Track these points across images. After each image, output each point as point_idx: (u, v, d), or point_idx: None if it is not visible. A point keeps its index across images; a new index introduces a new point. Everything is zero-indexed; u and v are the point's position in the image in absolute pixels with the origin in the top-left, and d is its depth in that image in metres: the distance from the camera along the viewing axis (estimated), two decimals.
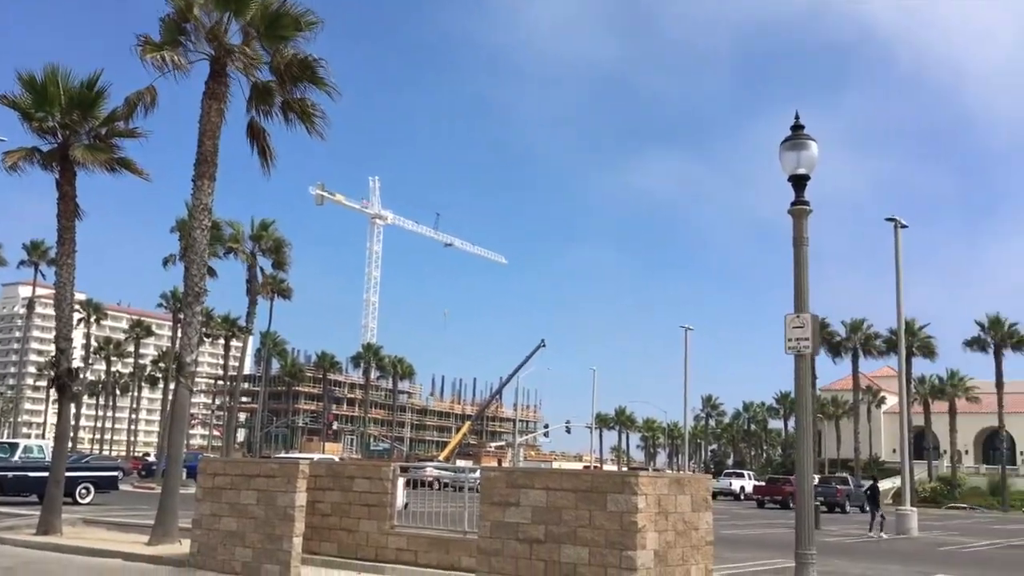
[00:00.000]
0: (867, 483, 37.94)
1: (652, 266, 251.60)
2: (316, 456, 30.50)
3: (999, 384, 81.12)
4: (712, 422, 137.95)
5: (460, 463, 59.12)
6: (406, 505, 14.89)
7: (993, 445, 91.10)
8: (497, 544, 10.54)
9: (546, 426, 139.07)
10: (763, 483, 55.99)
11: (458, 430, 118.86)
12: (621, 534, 9.76)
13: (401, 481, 14.65)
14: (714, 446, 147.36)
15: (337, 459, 39.17)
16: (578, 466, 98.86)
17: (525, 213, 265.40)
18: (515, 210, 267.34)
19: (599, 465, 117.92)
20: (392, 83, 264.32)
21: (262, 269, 53.32)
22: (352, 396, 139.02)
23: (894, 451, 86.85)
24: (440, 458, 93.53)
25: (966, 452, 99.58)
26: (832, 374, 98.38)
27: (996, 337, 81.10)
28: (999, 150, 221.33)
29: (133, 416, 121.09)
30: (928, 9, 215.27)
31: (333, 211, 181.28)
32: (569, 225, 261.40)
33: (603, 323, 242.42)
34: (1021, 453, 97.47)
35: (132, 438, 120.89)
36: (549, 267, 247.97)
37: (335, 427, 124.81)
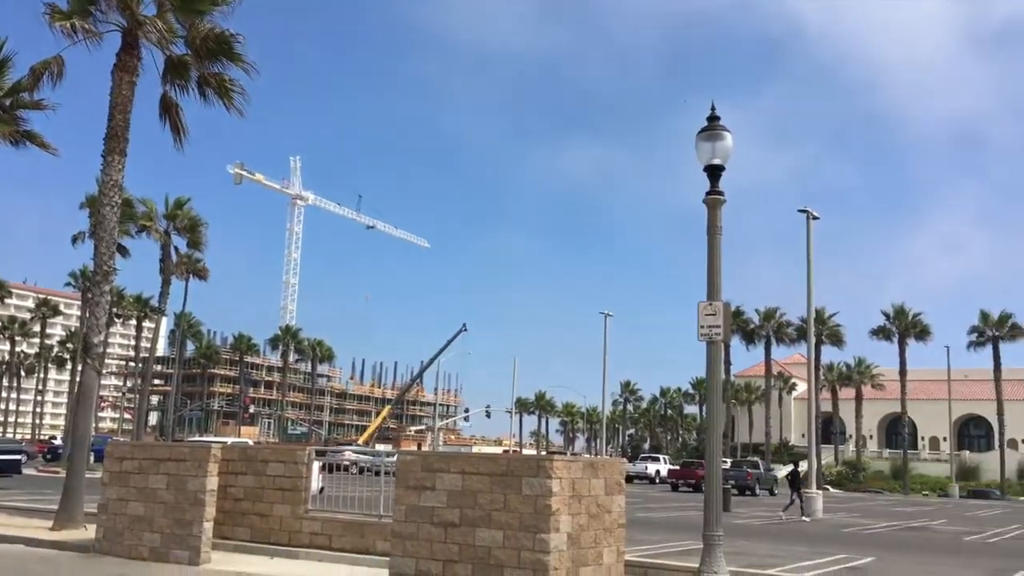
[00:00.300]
0: (788, 468, 39.01)
1: (576, 252, 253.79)
2: (230, 440, 29.94)
3: (902, 371, 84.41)
4: (630, 407, 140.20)
5: (379, 447, 58.86)
6: (322, 489, 14.77)
7: (896, 430, 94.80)
8: (412, 528, 10.55)
9: (466, 410, 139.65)
10: (677, 467, 57.12)
11: (378, 414, 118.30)
12: (535, 517, 9.86)
13: (317, 465, 14.52)
14: (631, 431, 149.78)
15: (252, 443, 38.58)
16: (498, 450, 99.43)
17: (451, 197, 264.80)
18: (441, 194, 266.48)
19: (518, 449, 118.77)
20: (316, 62, 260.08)
21: (176, 249, 52.12)
22: (270, 379, 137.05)
23: (803, 436, 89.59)
24: (359, 442, 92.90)
25: (871, 437, 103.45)
26: (746, 361, 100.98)
27: (900, 326, 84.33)
28: (910, 146, 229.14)
29: (39, 398, 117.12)
30: (852, 6, 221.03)
31: (253, 191, 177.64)
32: (495, 210, 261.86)
33: (526, 308, 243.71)
34: (922, 438, 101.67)
35: (38, 421, 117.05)
36: (473, 251, 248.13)
37: (252, 410, 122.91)
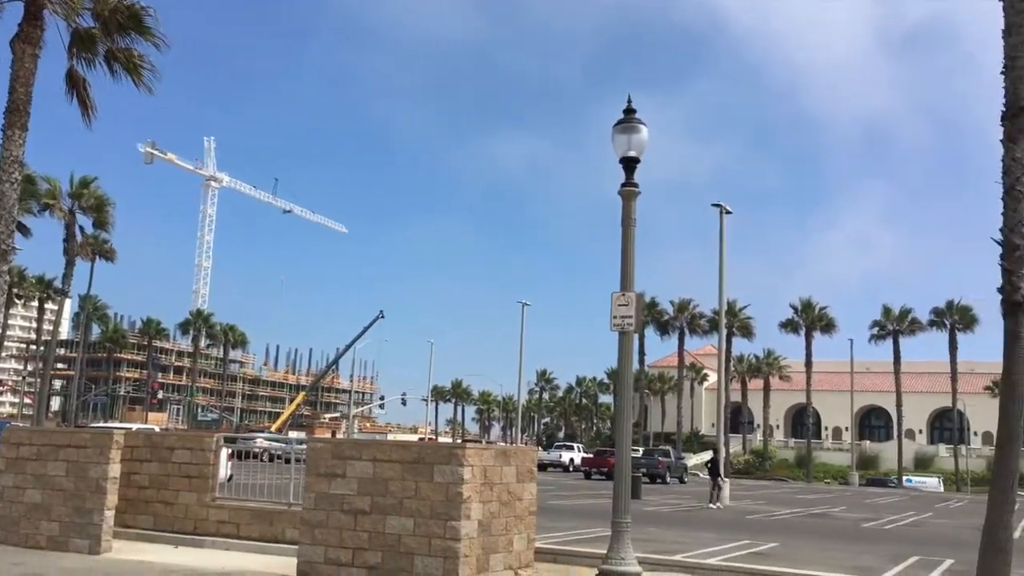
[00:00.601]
0: (703, 456, 39.87)
1: (498, 241, 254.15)
2: (135, 426, 29.17)
3: (808, 363, 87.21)
4: (546, 396, 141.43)
5: (293, 435, 58.04)
6: (230, 477, 14.51)
7: (801, 420, 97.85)
8: (321, 516, 10.45)
9: (382, 398, 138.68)
10: (591, 455, 57.85)
11: (292, 401, 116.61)
12: (447, 505, 9.88)
13: (225, 452, 14.26)
14: (547, 419, 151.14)
15: (158, 429, 37.63)
16: (413, 438, 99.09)
17: (373, 184, 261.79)
18: (364, 181, 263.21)
19: (434, 437, 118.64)
20: (237, 43, 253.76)
21: (82, 228, 50.42)
22: (180, 364, 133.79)
23: (712, 425, 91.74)
24: (272, 429, 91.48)
25: (777, 427, 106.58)
26: (660, 351, 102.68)
27: (807, 320, 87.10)
28: (826, 145, 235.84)
29: None
30: (776, 5, 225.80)
31: (166, 172, 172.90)
32: (419, 198, 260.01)
33: (446, 296, 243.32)
34: (826, 428, 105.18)
35: None
36: (395, 239, 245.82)
37: (160, 396, 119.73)
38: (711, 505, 29.95)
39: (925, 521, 29.23)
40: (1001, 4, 9.38)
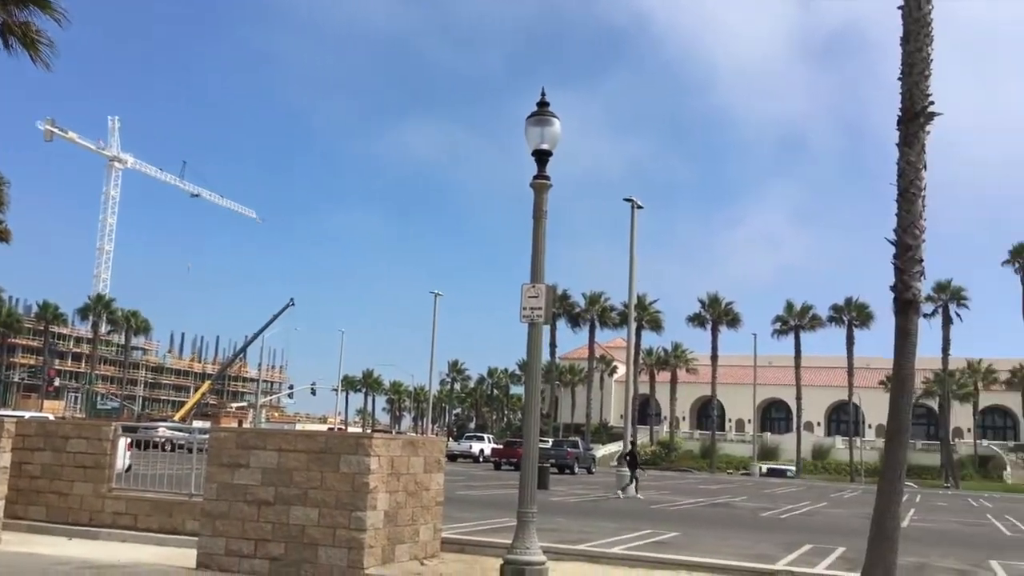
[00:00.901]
0: (614, 447, 40.40)
1: (413, 230, 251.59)
2: (28, 414, 28.03)
3: (714, 357, 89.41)
4: (457, 386, 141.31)
5: (197, 424, 56.70)
6: (129, 467, 14.10)
7: (706, 412, 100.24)
8: (223, 506, 10.25)
9: (291, 387, 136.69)
10: (501, 446, 58.17)
11: (197, 389, 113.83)
12: (352, 495, 9.81)
13: (124, 442, 13.85)
14: (458, 410, 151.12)
15: (52, 417, 36.27)
16: (323, 428, 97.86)
17: (288, 172, 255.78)
18: (278, 168, 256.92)
19: (344, 427, 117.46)
20: (143, 17, 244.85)
21: None
22: (79, 351, 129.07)
23: (621, 417, 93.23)
24: (175, 418, 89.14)
25: (684, 418, 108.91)
26: (571, 343, 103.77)
27: (714, 314, 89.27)
28: (739, 144, 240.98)
29: None
30: (697, 7, 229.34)
31: (67, 152, 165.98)
32: (335, 187, 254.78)
33: (359, 286, 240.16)
34: (730, 420, 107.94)
35: None
36: (309, 228, 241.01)
37: (57, 383, 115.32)
38: (633, 495, 30.30)
39: (820, 510, 30.31)
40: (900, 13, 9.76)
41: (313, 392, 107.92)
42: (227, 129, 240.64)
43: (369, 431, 59.97)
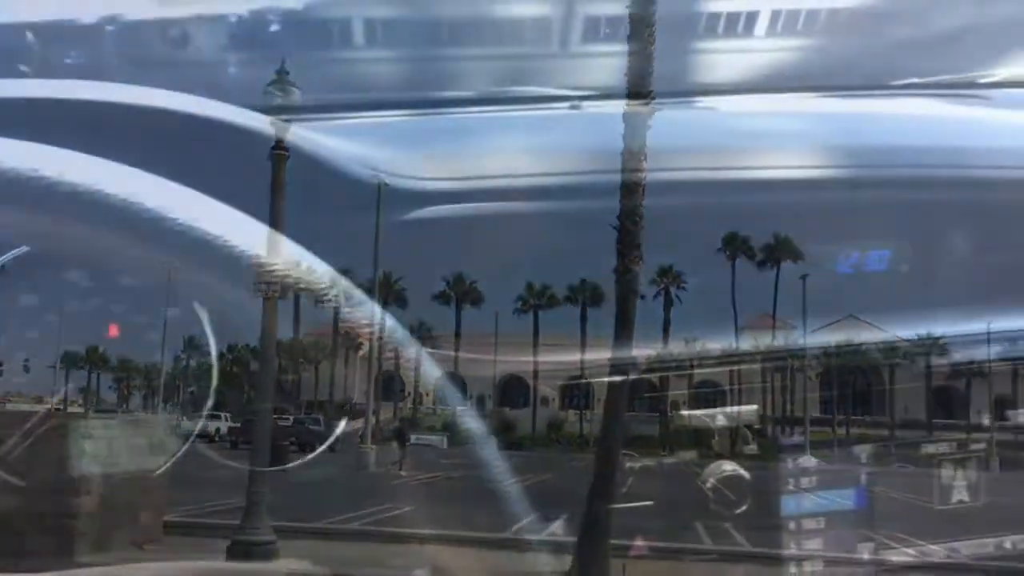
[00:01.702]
0: (357, 423, 40.38)
1: None
2: None
3: (457, 335, 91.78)
4: (194, 363, 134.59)
5: None
6: None
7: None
8: None
9: (0, 363, 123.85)
10: (238, 425, 56.18)
11: None
12: (65, 480, 9.15)
13: None
14: (194, 388, 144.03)
15: None
16: (39, 409, 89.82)
17: None
18: None
19: (63, 407, 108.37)
20: None
21: None
22: None
23: (365, 393, 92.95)
24: None
25: (427, 395, 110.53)
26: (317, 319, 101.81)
27: (458, 293, 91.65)
28: None
29: None
30: None
31: None
32: None
33: None
34: (471, 395, 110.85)
35: None
36: None
37: None
38: (401, 472, 30.48)
39: (551, 481, 31.91)
40: None
41: (26, 369, 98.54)
42: None
43: (92, 411, 55.85)
